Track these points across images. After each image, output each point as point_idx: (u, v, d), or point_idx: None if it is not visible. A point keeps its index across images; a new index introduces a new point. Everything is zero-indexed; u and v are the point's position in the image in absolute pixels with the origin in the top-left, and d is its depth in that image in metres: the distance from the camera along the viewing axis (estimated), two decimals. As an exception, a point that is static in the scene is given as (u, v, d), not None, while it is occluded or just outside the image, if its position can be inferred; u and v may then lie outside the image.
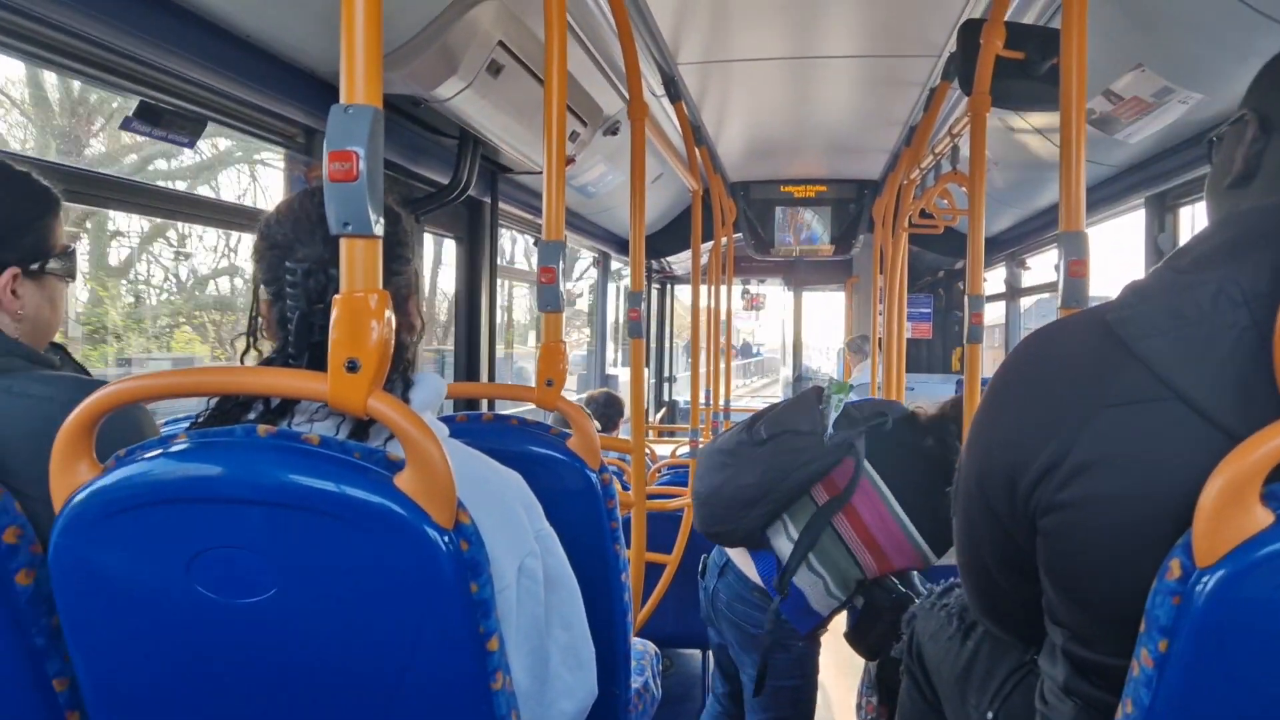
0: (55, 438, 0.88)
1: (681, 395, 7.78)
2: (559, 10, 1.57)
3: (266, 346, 1.07)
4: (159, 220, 5.15)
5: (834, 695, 3.66)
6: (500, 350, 4.19)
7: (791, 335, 7.91)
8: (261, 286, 1.06)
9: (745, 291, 8.02)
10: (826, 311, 8.21)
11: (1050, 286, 4.34)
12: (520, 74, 2.29)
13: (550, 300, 1.57)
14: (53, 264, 1.13)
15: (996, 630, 1.19)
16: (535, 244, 4.24)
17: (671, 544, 2.94)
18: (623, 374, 6.26)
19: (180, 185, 5.78)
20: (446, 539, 0.83)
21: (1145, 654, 0.77)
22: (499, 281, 3.42)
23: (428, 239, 3.17)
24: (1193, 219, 2.77)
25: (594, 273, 6.16)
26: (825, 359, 7.01)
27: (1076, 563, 0.87)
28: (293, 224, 1.03)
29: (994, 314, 5.14)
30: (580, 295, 6.49)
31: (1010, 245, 4.67)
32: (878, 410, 2.11)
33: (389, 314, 0.85)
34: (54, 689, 0.97)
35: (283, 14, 1.75)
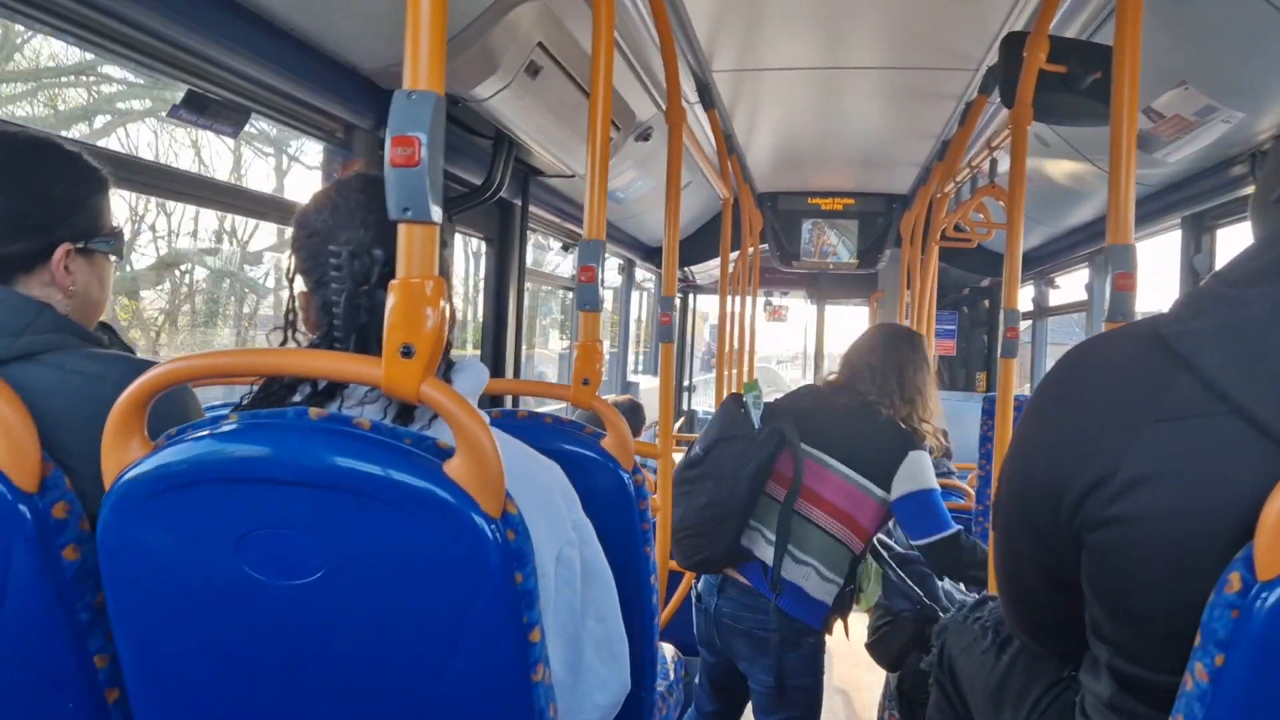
0: (106, 415, 0.89)
1: (700, 405, 7.77)
2: (607, 14, 1.58)
3: (303, 340, 1.08)
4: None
5: (854, 707, 3.64)
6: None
7: (814, 348, 7.89)
8: (299, 277, 1.06)
9: (768, 303, 8.01)
10: (850, 328, 8.20)
11: (1079, 306, 4.31)
12: (558, 76, 2.30)
13: (589, 299, 1.57)
14: (103, 242, 1.15)
15: (1033, 645, 1.17)
16: (565, 247, 4.25)
17: None
18: (643, 381, 6.26)
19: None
20: (493, 527, 0.83)
21: (1200, 668, 0.76)
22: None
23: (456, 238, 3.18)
24: (1230, 240, 2.75)
25: (615, 279, 6.17)
26: None
27: (1125, 578, 0.86)
28: (332, 211, 1.03)
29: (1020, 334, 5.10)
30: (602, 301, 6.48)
31: (1038, 264, 4.65)
32: (795, 396, 2.35)
33: (444, 301, 0.86)
34: (95, 665, 0.97)
35: (329, 10, 1.77)
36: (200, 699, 0.93)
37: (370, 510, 0.83)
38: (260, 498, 0.85)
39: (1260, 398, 0.79)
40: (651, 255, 5.41)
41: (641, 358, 7.16)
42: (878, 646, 2.34)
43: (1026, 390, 4.55)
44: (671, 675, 1.81)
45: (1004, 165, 2.91)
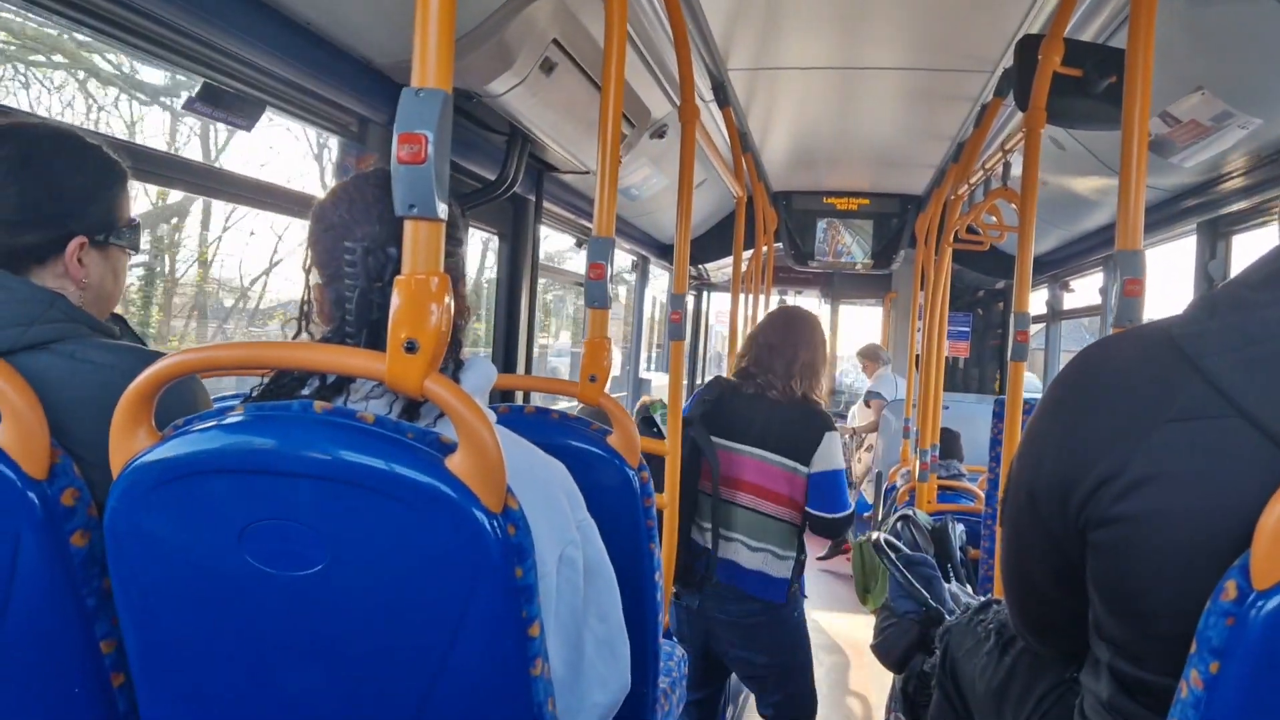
0: (116, 405, 0.90)
1: None
2: (620, 12, 1.58)
3: (317, 332, 1.09)
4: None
5: (860, 709, 3.64)
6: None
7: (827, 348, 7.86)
8: (315, 270, 1.07)
9: (781, 302, 7.99)
10: (864, 328, 8.17)
11: (1093, 310, 4.28)
12: (572, 72, 2.30)
13: (598, 296, 1.57)
14: (118, 236, 1.16)
15: (1038, 645, 1.18)
16: (578, 244, 4.25)
17: None
18: (655, 378, 6.25)
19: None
20: (494, 522, 0.84)
21: (1195, 675, 0.76)
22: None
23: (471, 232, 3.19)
24: (1246, 247, 2.72)
25: (627, 276, 6.16)
26: (859, 372, 7.03)
27: (1128, 577, 0.86)
28: (348, 206, 1.04)
29: (1034, 338, 5.07)
30: (615, 298, 6.47)
31: (1052, 267, 4.62)
32: (704, 390, 2.61)
33: (449, 298, 0.86)
34: (101, 650, 0.99)
35: (344, 4, 1.78)
36: (203, 685, 0.94)
37: (372, 503, 0.84)
38: (264, 489, 0.86)
39: (1266, 402, 0.78)
40: (666, 253, 5.40)
41: (655, 355, 7.16)
42: (882, 648, 2.34)
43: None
44: (675, 672, 1.81)
45: (1017, 168, 2.90)
